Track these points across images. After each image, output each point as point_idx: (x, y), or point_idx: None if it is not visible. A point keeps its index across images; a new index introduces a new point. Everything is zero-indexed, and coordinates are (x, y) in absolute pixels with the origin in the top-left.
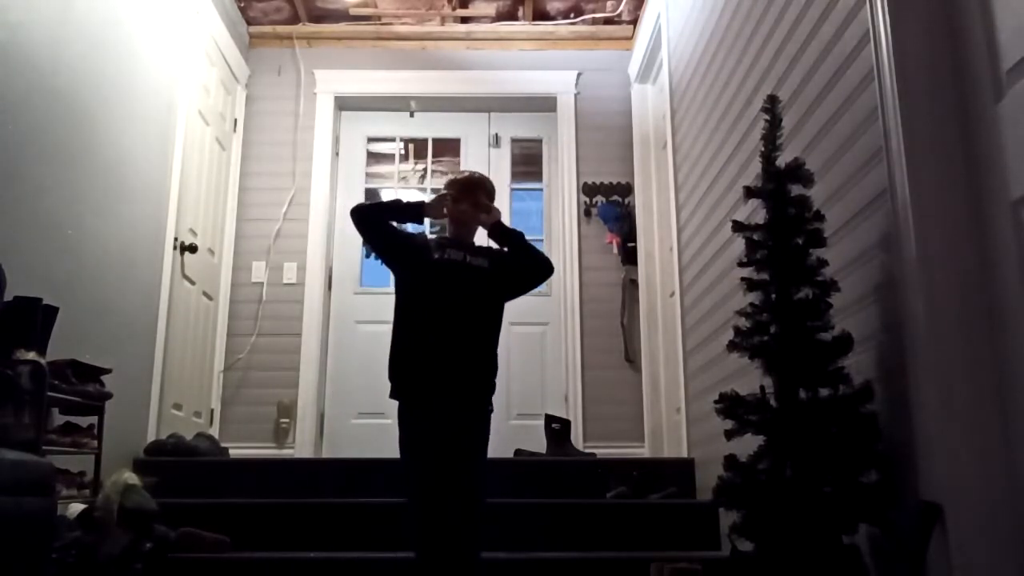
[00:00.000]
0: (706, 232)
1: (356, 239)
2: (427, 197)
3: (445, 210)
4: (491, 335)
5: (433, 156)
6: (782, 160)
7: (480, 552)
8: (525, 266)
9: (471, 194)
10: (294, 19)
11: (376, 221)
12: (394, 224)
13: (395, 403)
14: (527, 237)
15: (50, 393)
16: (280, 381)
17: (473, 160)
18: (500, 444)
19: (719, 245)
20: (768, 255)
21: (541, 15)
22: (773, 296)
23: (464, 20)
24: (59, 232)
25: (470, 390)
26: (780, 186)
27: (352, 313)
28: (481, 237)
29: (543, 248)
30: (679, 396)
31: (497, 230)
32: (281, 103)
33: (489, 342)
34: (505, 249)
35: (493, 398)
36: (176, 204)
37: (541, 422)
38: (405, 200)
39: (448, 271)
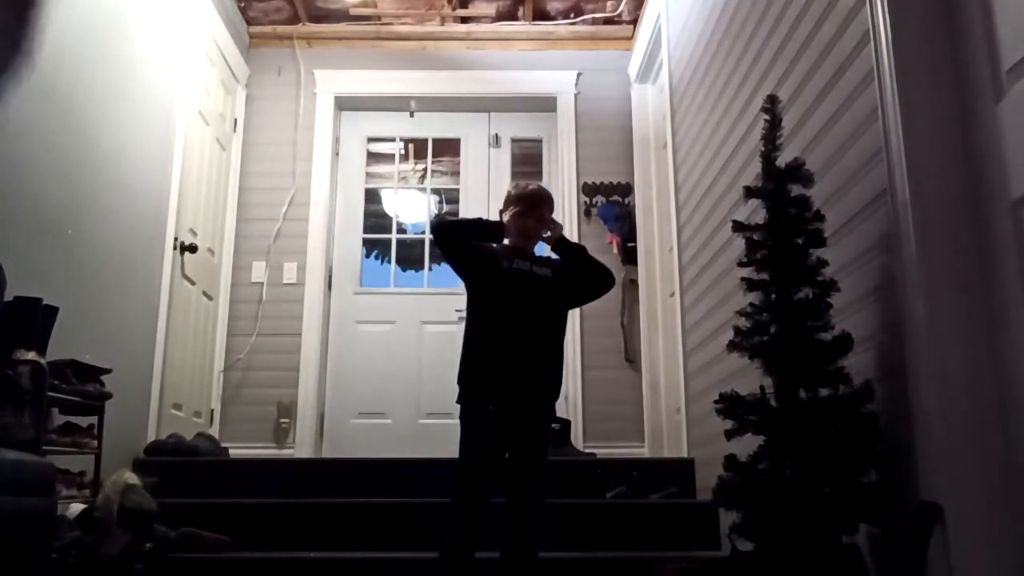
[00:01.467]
0: (706, 232)
1: (356, 239)
2: (430, 197)
3: (514, 226)
4: (559, 342)
5: (433, 156)
6: (782, 160)
7: (538, 551)
8: (589, 280)
9: (536, 209)
10: (294, 19)
11: (459, 239)
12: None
13: (395, 404)
14: None
15: (50, 393)
16: (280, 381)
17: (473, 160)
18: None
19: (719, 245)
20: (768, 255)
21: (541, 15)
22: (773, 296)
23: (464, 20)
24: (59, 232)
25: (538, 396)
26: (780, 186)
27: (352, 313)
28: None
29: (543, 248)
30: (679, 396)
31: (561, 245)
32: (281, 103)
33: (557, 348)
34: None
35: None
36: (176, 204)
37: None
38: (487, 220)
39: (517, 281)
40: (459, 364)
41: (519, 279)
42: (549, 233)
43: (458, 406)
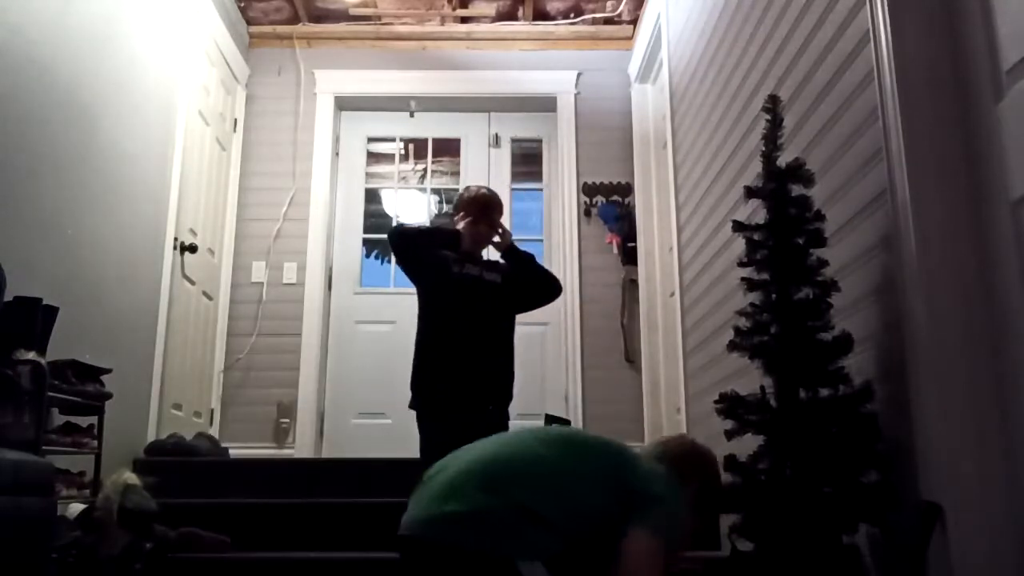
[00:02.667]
0: (706, 232)
1: (356, 239)
2: (430, 197)
3: (465, 231)
4: (507, 346)
5: (433, 156)
6: (782, 160)
7: None
8: (537, 287)
9: (487, 215)
10: (294, 19)
11: (415, 246)
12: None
13: (395, 404)
14: (528, 237)
15: (50, 393)
16: (280, 381)
17: (473, 160)
18: None
19: (719, 245)
20: (768, 255)
21: (541, 15)
22: (773, 296)
23: (464, 20)
24: (59, 232)
25: (489, 400)
26: (780, 186)
27: (352, 313)
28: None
29: (542, 248)
30: (679, 396)
31: (511, 253)
32: (281, 103)
33: (506, 353)
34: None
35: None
36: (176, 204)
37: (541, 422)
38: (443, 229)
39: (466, 287)
40: (411, 369)
41: (468, 284)
42: (499, 239)
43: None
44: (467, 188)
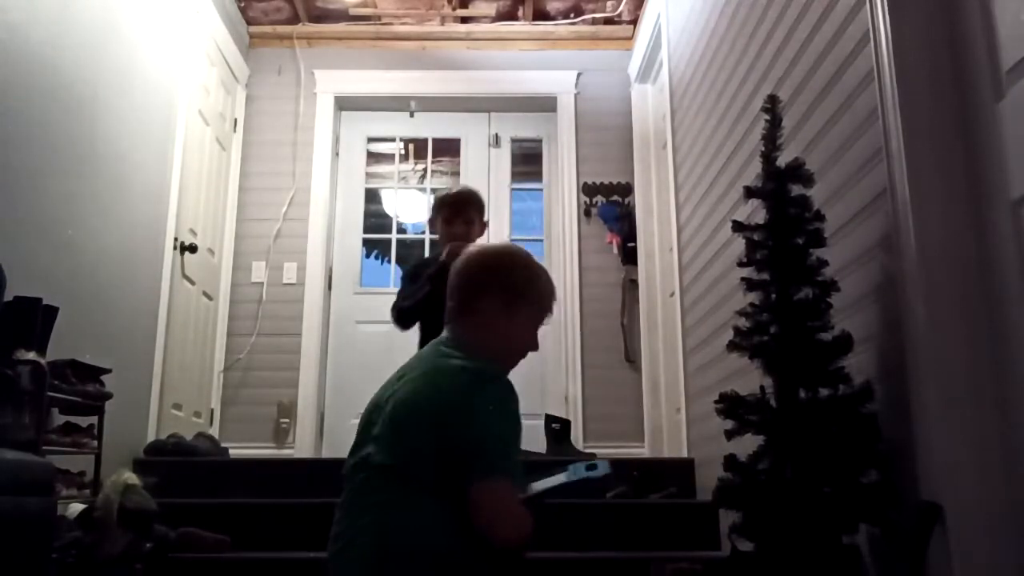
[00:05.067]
0: (706, 232)
1: (356, 239)
2: (430, 197)
3: (443, 233)
4: None
5: (433, 156)
6: (782, 160)
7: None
8: None
9: (463, 213)
10: (294, 19)
11: (417, 311)
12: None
13: None
14: (528, 237)
15: (50, 393)
16: (280, 381)
17: (473, 160)
18: None
19: (719, 245)
20: (768, 255)
21: (541, 15)
22: (773, 296)
23: (464, 20)
24: (59, 232)
25: None
26: (780, 186)
27: (352, 313)
28: None
29: (543, 248)
30: (679, 396)
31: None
32: (281, 103)
33: None
34: None
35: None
36: (176, 204)
37: (541, 422)
38: (429, 287)
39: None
40: None
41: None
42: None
43: None
44: (447, 190)
